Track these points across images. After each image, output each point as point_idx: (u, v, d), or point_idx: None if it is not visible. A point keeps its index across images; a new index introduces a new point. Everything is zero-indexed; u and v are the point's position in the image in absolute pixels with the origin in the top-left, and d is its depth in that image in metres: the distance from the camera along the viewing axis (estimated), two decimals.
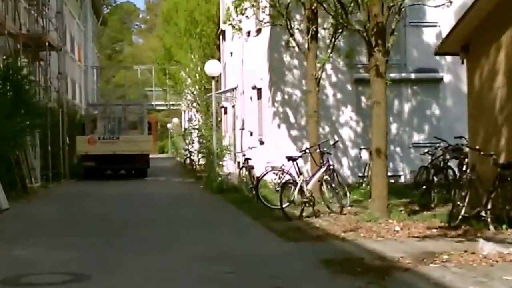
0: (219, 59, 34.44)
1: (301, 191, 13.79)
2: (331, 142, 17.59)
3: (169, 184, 25.97)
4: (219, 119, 33.17)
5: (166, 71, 39.90)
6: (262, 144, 21.78)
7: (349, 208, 14.60)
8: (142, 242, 11.14)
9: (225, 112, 31.75)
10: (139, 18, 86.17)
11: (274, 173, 16.92)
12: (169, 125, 61.44)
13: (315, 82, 16.84)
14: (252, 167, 18.37)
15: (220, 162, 27.26)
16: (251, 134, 24.06)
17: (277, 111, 20.63)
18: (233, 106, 28.94)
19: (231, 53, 29.44)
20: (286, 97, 20.67)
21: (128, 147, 28.37)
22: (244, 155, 19.21)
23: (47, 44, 25.82)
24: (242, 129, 26.01)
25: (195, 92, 37.54)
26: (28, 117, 20.03)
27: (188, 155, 34.49)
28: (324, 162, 14.97)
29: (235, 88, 27.73)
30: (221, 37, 33.56)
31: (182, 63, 36.70)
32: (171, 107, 52.25)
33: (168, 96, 49.71)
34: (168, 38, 39.85)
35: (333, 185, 14.46)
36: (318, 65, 16.62)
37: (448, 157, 14.69)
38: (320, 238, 10.88)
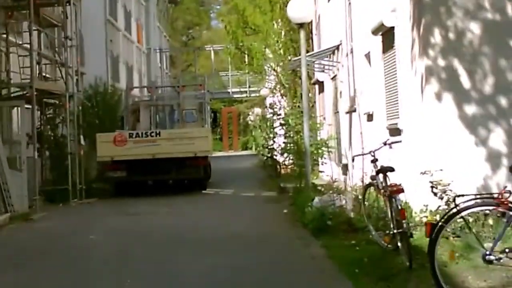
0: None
1: None
2: None
3: (236, 207, 15.58)
4: (312, 103, 22.59)
5: (239, 42, 29.44)
6: (396, 135, 11.08)
7: None
8: None
9: (321, 90, 21.08)
10: (219, 0, 76.13)
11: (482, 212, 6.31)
12: (250, 117, 51.32)
13: None
14: (398, 189, 7.74)
15: (319, 163, 16.87)
16: (370, 117, 13.46)
17: (433, 70, 9.90)
18: (333, 78, 18.32)
19: None
20: (450, 42, 9.91)
21: (174, 148, 18.35)
22: (374, 160, 8.50)
23: None
24: (352, 111, 15.40)
25: (277, 69, 27.22)
26: None
27: (269, 155, 24.23)
28: None
29: (338, 46, 17.07)
30: None
31: (260, 28, 26.37)
32: (251, 94, 41.73)
33: (247, 80, 39.23)
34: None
35: None
36: None
37: None
38: None
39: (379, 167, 8.29)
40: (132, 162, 18.36)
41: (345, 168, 16.74)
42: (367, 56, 13.79)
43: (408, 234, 7.46)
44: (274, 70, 27.62)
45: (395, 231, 7.69)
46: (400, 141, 8.70)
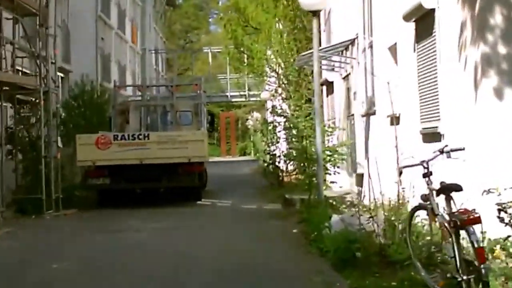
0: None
1: None
2: None
3: (235, 224, 13.12)
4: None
5: (239, 42, 27.02)
6: (434, 141, 8.76)
7: None
8: None
9: (330, 91, 18.72)
10: (219, 5, 73.59)
11: None
12: (249, 122, 48.85)
13: None
14: (472, 218, 5.34)
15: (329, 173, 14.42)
16: (395, 121, 11.08)
17: (492, 59, 7.58)
18: (345, 78, 16.01)
19: None
20: None
21: (165, 153, 15.97)
22: (428, 174, 6.08)
23: None
24: (370, 114, 13.07)
25: (279, 70, 24.92)
26: None
27: (271, 161, 21.92)
28: None
29: (353, 41, 14.72)
30: None
31: (262, 26, 24.12)
32: (250, 98, 39.24)
33: (246, 83, 36.66)
34: None
35: None
36: None
37: None
38: None
39: (438, 184, 5.91)
40: (117, 168, 16.00)
41: (359, 179, 14.40)
42: (392, 49, 11.47)
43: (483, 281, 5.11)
44: (275, 71, 25.33)
45: (464, 277, 5.33)
46: (463, 149, 6.33)
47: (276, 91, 26.03)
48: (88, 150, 15.98)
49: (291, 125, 14.56)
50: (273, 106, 20.26)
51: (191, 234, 11.61)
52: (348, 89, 15.53)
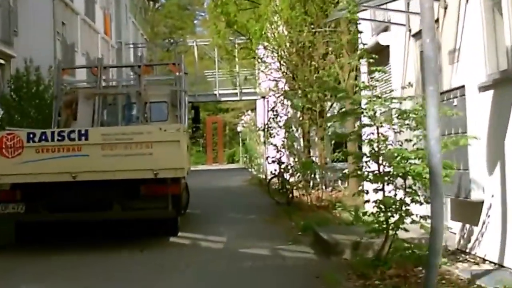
0: None
1: None
2: None
3: None
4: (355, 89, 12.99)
5: (231, 17, 19.94)
6: None
7: None
8: None
9: (380, 62, 11.31)
10: (204, 7, 66.91)
11: None
12: (239, 127, 41.87)
13: None
14: None
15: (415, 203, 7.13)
16: None
17: None
18: (417, 34, 8.93)
19: None
20: None
21: (116, 163, 8.89)
22: None
23: None
24: (506, 82, 6.00)
25: (281, 52, 18.04)
26: None
27: (279, 172, 14.97)
28: None
29: None
30: None
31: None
32: (243, 97, 32.03)
33: (238, 77, 29.45)
34: None
35: None
36: None
37: None
38: None
39: None
40: (36, 188, 8.92)
41: (470, 209, 7.39)
42: None
43: None
44: (277, 54, 18.38)
45: None
46: None
47: (276, 84, 19.10)
48: None
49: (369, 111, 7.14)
50: (286, 92, 13.30)
51: None
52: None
